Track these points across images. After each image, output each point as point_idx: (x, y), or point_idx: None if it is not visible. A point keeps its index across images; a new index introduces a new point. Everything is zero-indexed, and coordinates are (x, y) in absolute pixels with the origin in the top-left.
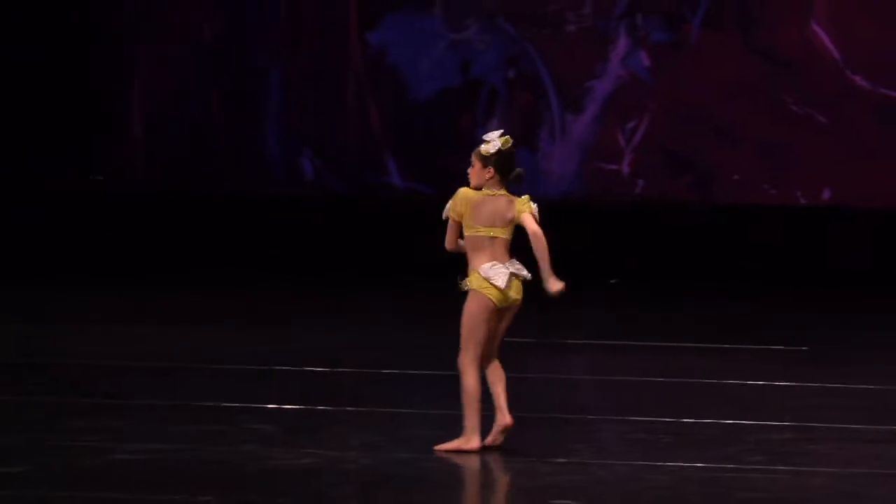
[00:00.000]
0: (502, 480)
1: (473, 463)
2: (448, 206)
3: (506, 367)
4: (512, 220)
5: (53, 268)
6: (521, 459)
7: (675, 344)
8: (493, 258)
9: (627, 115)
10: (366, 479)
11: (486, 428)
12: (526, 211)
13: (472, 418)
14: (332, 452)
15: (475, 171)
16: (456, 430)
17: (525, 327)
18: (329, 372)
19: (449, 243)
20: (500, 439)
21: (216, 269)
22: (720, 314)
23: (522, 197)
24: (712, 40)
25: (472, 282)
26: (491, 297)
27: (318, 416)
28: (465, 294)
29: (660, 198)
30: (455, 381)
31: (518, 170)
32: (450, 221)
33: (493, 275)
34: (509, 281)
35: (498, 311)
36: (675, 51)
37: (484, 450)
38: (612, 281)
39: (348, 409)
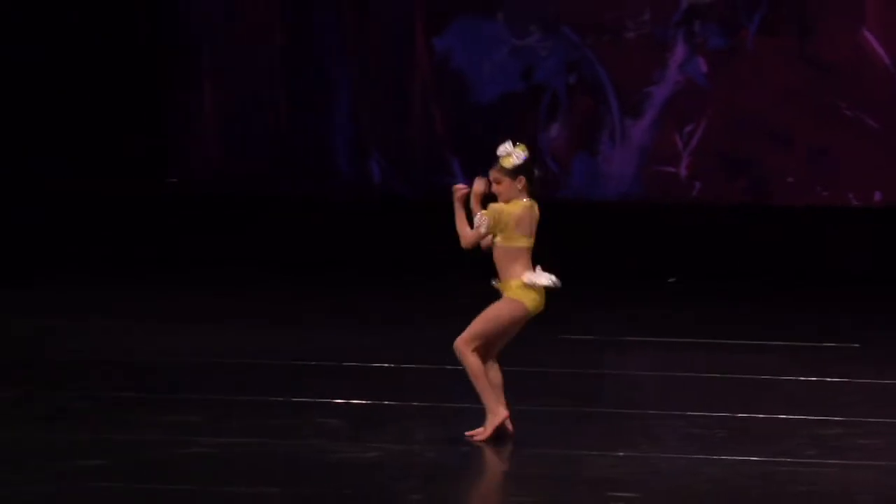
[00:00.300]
0: (562, 473)
1: (534, 457)
2: (486, 221)
3: (569, 364)
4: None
5: (119, 268)
6: (581, 453)
7: (730, 341)
8: (528, 267)
9: (685, 119)
10: (429, 472)
11: (480, 420)
12: None
13: (487, 394)
14: (396, 446)
15: (505, 187)
16: (521, 424)
17: (586, 326)
18: (394, 368)
19: (472, 243)
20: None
21: (285, 270)
22: (774, 312)
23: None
24: (768, 46)
25: (510, 289)
26: (528, 305)
27: (384, 411)
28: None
29: (716, 200)
30: (512, 376)
31: (538, 173)
32: (483, 232)
33: (538, 279)
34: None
35: (526, 320)
36: (731, 57)
37: (545, 444)
38: (670, 280)
39: (413, 404)
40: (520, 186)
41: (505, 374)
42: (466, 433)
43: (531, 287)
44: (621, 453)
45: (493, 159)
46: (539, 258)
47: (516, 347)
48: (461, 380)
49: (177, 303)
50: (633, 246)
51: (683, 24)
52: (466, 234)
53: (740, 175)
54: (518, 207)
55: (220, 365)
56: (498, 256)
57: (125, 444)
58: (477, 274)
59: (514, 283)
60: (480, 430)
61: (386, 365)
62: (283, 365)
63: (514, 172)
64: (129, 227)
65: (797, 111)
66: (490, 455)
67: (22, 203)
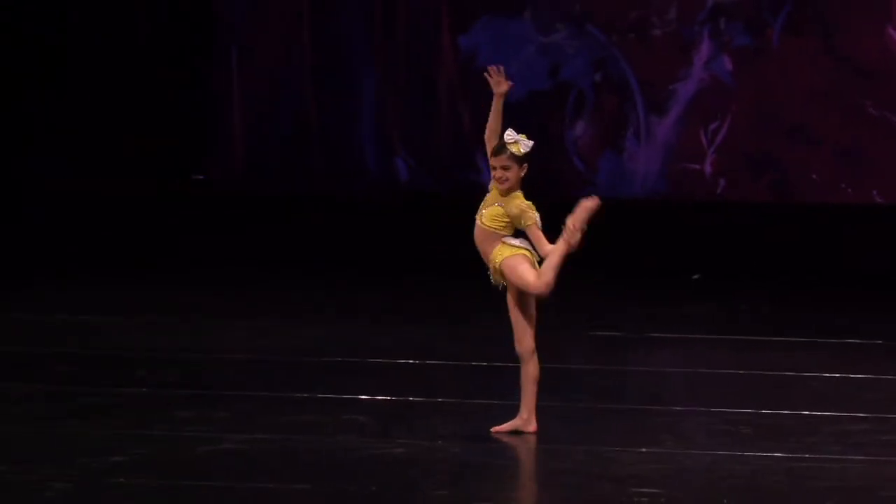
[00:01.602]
0: (587, 470)
1: (559, 453)
2: (535, 215)
3: (594, 360)
4: None
5: (147, 266)
6: (606, 449)
7: (755, 338)
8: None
9: (710, 117)
10: (457, 468)
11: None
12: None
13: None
14: (424, 442)
15: (514, 173)
16: (546, 422)
17: (612, 322)
18: (420, 364)
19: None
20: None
21: (311, 267)
22: (798, 310)
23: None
24: (793, 45)
25: (501, 255)
26: (527, 253)
27: (411, 408)
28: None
29: (740, 197)
30: (548, 372)
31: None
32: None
33: (516, 241)
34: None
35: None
36: (756, 55)
37: (570, 440)
38: (694, 277)
39: (440, 400)
40: (523, 174)
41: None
42: (493, 429)
43: (517, 246)
44: (645, 450)
45: (499, 147)
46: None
47: (542, 344)
48: (488, 376)
49: (206, 300)
50: (658, 243)
51: (709, 23)
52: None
53: (765, 173)
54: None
55: (249, 362)
56: (483, 237)
57: (153, 440)
58: None
59: (502, 248)
60: (506, 424)
61: (412, 361)
62: (309, 362)
63: (522, 160)
64: (158, 225)
65: (822, 109)
66: (516, 451)
67: (43, 201)
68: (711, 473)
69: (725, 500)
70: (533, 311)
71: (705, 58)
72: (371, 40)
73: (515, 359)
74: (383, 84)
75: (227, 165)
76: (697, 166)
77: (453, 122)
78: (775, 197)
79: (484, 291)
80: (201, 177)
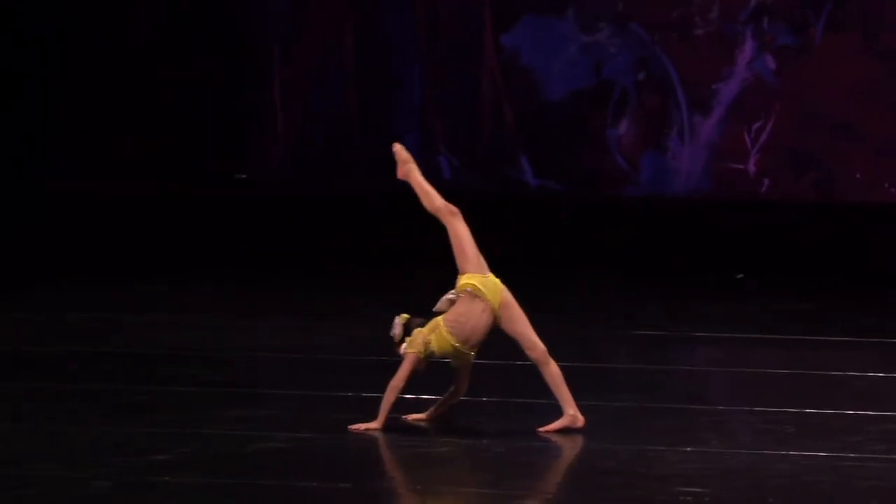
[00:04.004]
0: (632, 469)
1: (604, 452)
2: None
3: (638, 359)
4: None
5: (192, 264)
6: (651, 448)
7: (799, 337)
8: None
9: (753, 116)
10: (500, 467)
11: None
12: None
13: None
14: (467, 440)
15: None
16: (590, 421)
17: (655, 321)
18: None
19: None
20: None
21: (355, 266)
22: (843, 309)
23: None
24: (835, 43)
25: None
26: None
27: (455, 406)
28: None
29: (784, 196)
30: (581, 372)
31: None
32: None
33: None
34: None
35: None
36: (799, 54)
37: (614, 439)
38: (738, 276)
39: (483, 399)
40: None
41: (574, 369)
42: (540, 429)
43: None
44: (690, 449)
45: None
46: (607, 254)
47: (584, 343)
48: (532, 375)
49: (252, 297)
50: (701, 242)
51: (752, 22)
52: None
53: (808, 172)
54: None
55: (294, 360)
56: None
57: (197, 438)
58: (545, 270)
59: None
60: (554, 423)
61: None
62: (353, 360)
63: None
64: (202, 222)
65: (865, 107)
66: (560, 450)
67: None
68: (755, 473)
69: (771, 500)
70: (523, 317)
71: (748, 57)
72: (414, 39)
73: (559, 357)
74: (426, 83)
75: (269, 164)
76: (741, 166)
77: (496, 121)
78: (819, 196)
79: (527, 290)
80: (243, 176)
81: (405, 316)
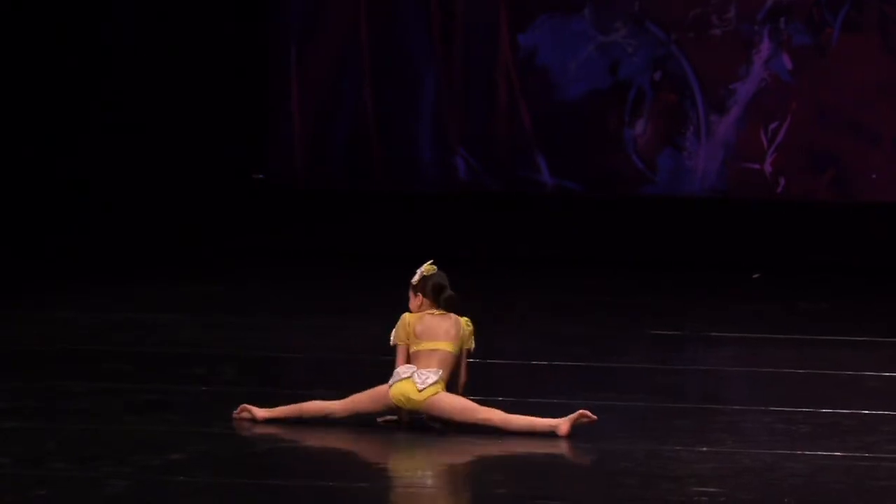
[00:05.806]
0: (648, 469)
1: (619, 452)
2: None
3: (654, 359)
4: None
5: (217, 263)
6: (665, 448)
7: (814, 337)
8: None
9: (770, 115)
10: (515, 467)
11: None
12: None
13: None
14: (482, 440)
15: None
16: (606, 421)
17: (671, 321)
18: (479, 363)
19: None
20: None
21: (374, 264)
22: (858, 308)
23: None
24: (852, 43)
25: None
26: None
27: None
28: None
29: (801, 196)
30: (597, 371)
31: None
32: None
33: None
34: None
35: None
36: (816, 53)
37: (630, 439)
38: (754, 276)
39: (499, 398)
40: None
41: (589, 369)
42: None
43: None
44: (706, 449)
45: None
46: (622, 253)
47: (602, 342)
48: (547, 375)
49: (278, 297)
50: (718, 241)
51: (768, 22)
52: None
53: (825, 171)
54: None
55: (320, 360)
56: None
57: (213, 438)
58: (561, 270)
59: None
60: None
61: (471, 360)
62: (371, 360)
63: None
64: (224, 223)
65: (882, 107)
66: (575, 450)
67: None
68: (771, 473)
69: (787, 500)
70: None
71: (765, 56)
72: (430, 39)
73: (575, 356)
74: (442, 83)
75: (286, 163)
76: (757, 165)
77: (512, 121)
78: (835, 195)
79: (542, 289)
80: (261, 175)
81: (432, 268)
